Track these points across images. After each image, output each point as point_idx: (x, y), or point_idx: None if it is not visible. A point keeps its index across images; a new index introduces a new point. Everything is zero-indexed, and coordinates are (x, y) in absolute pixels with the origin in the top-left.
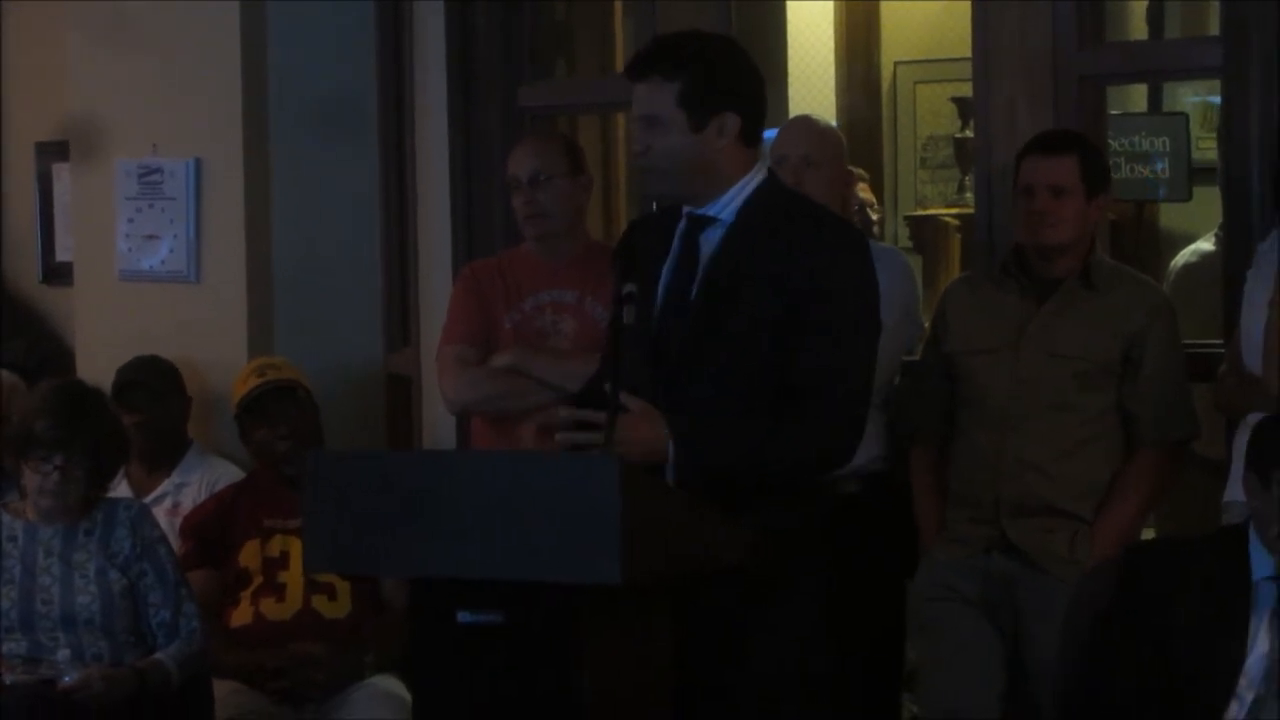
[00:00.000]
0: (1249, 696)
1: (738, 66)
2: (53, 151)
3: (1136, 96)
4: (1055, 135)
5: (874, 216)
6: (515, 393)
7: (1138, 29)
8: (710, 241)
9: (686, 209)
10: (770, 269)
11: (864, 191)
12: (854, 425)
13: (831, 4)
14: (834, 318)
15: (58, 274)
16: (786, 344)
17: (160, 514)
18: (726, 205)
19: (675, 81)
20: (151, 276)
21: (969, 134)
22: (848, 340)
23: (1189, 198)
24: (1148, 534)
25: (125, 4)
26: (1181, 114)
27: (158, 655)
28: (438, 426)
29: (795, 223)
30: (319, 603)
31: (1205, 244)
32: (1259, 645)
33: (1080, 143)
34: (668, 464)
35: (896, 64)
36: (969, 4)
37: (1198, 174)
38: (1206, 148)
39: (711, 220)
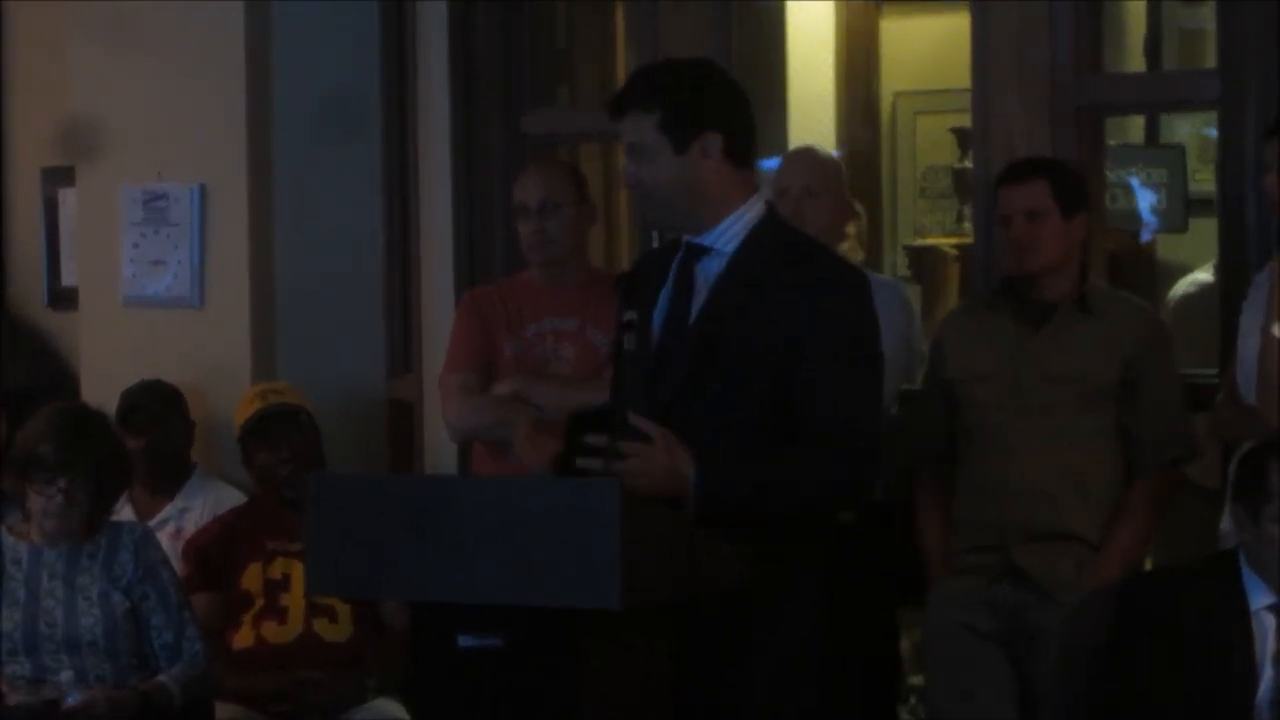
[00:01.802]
0: None
1: (713, 87)
2: (59, 177)
3: (1134, 128)
4: (1024, 163)
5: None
6: (518, 420)
7: (1135, 61)
8: (708, 271)
9: (685, 238)
10: (771, 305)
11: (851, 230)
12: (874, 459)
13: (832, 35)
14: (841, 358)
15: (63, 298)
16: (793, 385)
17: (163, 537)
18: (723, 234)
19: (653, 111)
20: (156, 301)
21: (968, 164)
22: (857, 379)
23: (1185, 229)
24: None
25: (128, 19)
26: (1178, 146)
27: (160, 677)
28: (439, 452)
29: (796, 261)
30: (320, 626)
31: (1203, 274)
32: (1265, 675)
33: (1050, 166)
34: (689, 496)
35: (896, 95)
36: (968, 35)
37: (1194, 205)
38: (1204, 180)
39: (708, 250)
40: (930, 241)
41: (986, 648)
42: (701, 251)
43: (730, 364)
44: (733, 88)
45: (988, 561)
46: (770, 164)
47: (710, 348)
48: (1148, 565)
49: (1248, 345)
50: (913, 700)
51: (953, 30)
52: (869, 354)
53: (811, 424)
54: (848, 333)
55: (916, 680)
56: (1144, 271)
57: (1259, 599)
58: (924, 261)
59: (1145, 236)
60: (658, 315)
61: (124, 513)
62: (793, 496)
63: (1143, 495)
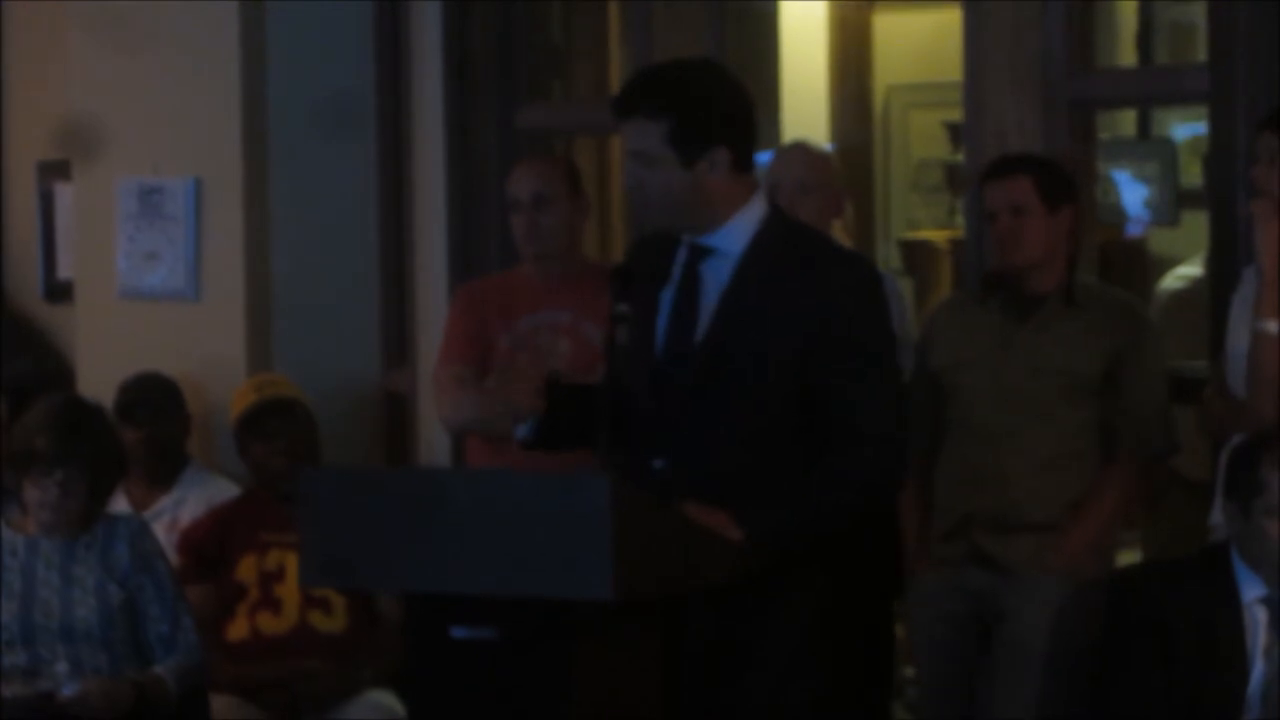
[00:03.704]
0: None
1: (723, 98)
2: (55, 170)
3: (1125, 123)
4: (1008, 159)
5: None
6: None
7: (1127, 55)
8: (715, 273)
9: (687, 238)
10: (785, 307)
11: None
12: (902, 454)
13: (825, 29)
14: (863, 356)
15: (59, 292)
16: (813, 388)
17: (159, 530)
18: (729, 235)
19: (660, 121)
20: (152, 295)
21: (960, 158)
22: (877, 375)
23: (1176, 223)
24: (1131, 555)
25: (125, 15)
26: (1169, 140)
27: (156, 669)
28: (434, 444)
29: (806, 259)
30: (315, 617)
31: (1191, 268)
32: (1256, 668)
33: (1034, 162)
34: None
35: (889, 89)
36: (961, 29)
37: (1185, 199)
38: (1194, 174)
39: (712, 251)
40: (922, 235)
41: (964, 637)
42: (706, 252)
43: (743, 370)
44: (739, 94)
45: (955, 549)
46: (763, 158)
47: (722, 355)
48: (1130, 557)
49: (1238, 339)
50: (909, 693)
51: (945, 24)
52: (885, 345)
53: (838, 426)
54: (864, 329)
55: (909, 671)
56: (1135, 265)
57: (1251, 592)
58: (916, 255)
59: (1136, 230)
60: (662, 318)
61: (119, 505)
62: (833, 516)
63: (1111, 481)
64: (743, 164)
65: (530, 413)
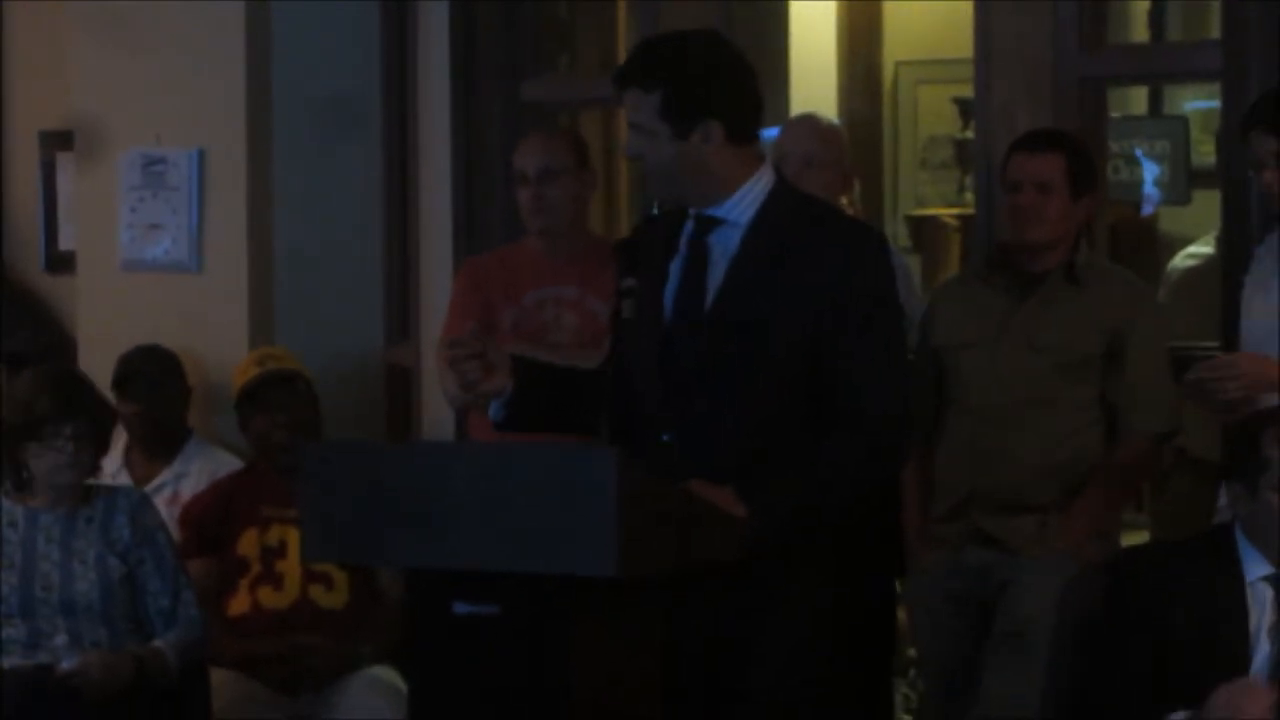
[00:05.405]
0: None
1: (715, 71)
2: (56, 140)
3: (1137, 100)
4: (1043, 133)
5: None
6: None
7: (1139, 31)
8: (722, 244)
9: (693, 210)
10: (794, 279)
11: (845, 199)
12: (905, 430)
13: (834, 4)
14: (871, 335)
15: (61, 263)
16: (821, 357)
17: (160, 503)
18: (736, 206)
19: (653, 94)
20: (154, 266)
21: (970, 135)
22: (885, 351)
23: (1188, 201)
24: (1139, 536)
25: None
26: (1181, 117)
27: (156, 643)
28: (437, 419)
29: (816, 230)
30: (316, 592)
31: (1202, 246)
32: (1261, 647)
33: (1067, 142)
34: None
35: (898, 64)
36: (971, 5)
37: (1198, 177)
38: (1206, 152)
39: (719, 221)
40: (931, 212)
41: (966, 617)
42: (713, 223)
43: (750, 342)
44: (738, 67)
45: (955, 529)
46: (771, 133)
47: (730, 325)
48: (1137, 537)
49: (1251, 318)
50: (912, 673)
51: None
52: (894, 323)
53: (844, 409)
54: (874, 307)
55: (912, 652)
56: (1146, 244)
57: (1255, 570)
58: (924, 232)
59: (1148, 209)
60: (669, 290)
61: (121, 478)
62: (836, 497)
63: (1115, 462)
64: (740, 136)
65: (497, 391)
